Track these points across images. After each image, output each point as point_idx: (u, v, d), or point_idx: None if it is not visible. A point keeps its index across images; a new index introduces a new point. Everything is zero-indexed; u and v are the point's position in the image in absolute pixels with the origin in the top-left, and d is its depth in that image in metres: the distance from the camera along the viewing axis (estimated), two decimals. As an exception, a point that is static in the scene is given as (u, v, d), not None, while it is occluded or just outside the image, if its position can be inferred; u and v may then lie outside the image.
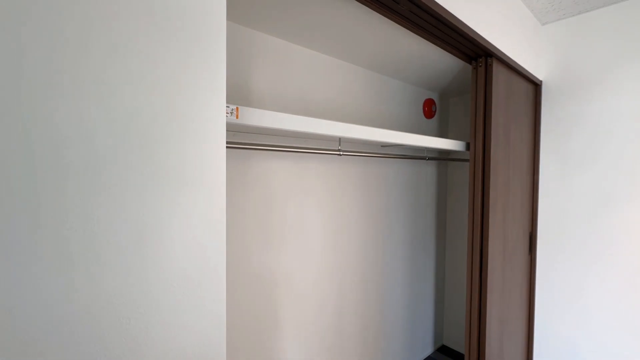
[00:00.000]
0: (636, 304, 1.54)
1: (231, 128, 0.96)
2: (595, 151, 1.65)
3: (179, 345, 0.51)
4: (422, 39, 1.33)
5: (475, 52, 1.41)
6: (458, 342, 2.30)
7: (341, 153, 1.29)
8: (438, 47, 1.36)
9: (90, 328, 0.42)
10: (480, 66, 1.45)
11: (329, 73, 1.51)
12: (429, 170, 2.13)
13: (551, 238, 1.81)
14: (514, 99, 1.62)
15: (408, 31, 1.26)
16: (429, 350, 2.25)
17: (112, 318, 0.44)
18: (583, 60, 1.68)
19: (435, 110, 2.13)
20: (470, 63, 1.50)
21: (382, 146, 1.71)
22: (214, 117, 0.52)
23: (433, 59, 1.65)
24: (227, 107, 0.76)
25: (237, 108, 0.78)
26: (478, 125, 1.47)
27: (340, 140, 1.30)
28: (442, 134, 2.24)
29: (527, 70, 1.63)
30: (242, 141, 1.15)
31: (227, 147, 0.98)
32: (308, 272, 1.45)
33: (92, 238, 0.42)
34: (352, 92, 1.62)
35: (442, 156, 2.20)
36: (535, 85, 1.83)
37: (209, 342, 0.55)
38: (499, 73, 1.47)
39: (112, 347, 0.45)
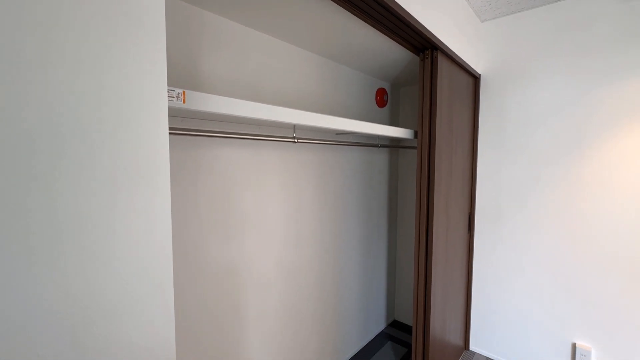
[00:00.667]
0: (556, 271, 1.79)
1: (178, 114, 0.90)
2: (523, 139, 1.86)
3: (125, 336, 0.49)
4: (375, 30, 1.36)
5: (423, 45, 1.48)
6: (408, 316, 2.49)
7: (296, 140, 1.30)
8: (389, 38, 1.41)
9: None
10: (427, 58, 1.53)
11: (285, 59, 1.48)
12: (381, 157, 2.22)
13: (487, 217, 2.02)
14: (457, 90, 1.75)
15: (361, 21, 1.28)
16: (382, 325, 2.41)
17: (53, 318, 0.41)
18: (514, 56, 1.86)
19: (387, 100, 2.21)
20: (418, 55, 1.58)
21: (336, 134, 1.74)
22: (154, 101, 0.48)
23: (384, 50, 1.70)
24: (172, 90, 0.72)
25: (183, 92, 0.74)
26: (425, 114, 1.56)
27: (295, 127, 1.30)
28: (393, 122, 2.34)
29: (468, 64, 1.76)
30: (191, 127, 1.10)
31: (173, 133, 0.93)
32: (266, 260, 1.45)
33: (26, 230, 0.38)
34: (308, 79, 1.62)
35: (393, 143, 2.31)
36: (475, 78, 1.99)
37: (156, 331, 0.53)
38: (443, 65, 1.57)
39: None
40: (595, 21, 1.60)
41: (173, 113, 0.92)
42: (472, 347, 2.14)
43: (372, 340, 2.26)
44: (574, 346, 1.76)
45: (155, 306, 0.52)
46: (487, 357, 2.06)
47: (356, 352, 2.11)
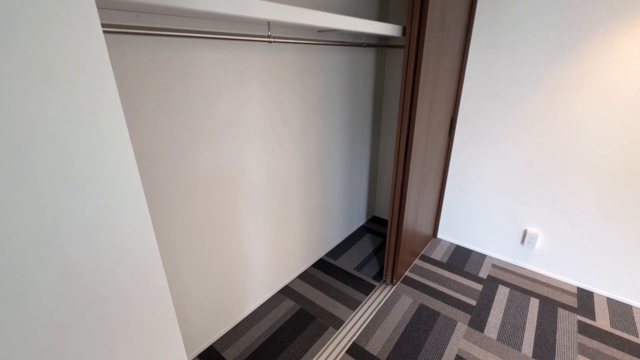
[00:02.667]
0: (519, 168, 1.94)
1: (127, 8, 0.79)
2: (514, 37, 1.73)
3: (109, 249, 0.55)
4: None
5: None
6: (386, 212, 2.76)
7: (272, 40, 1.18)
8: None
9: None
10: None
11: None
12: (368, 57, 2.07)
13: (469, 120, 2.05)
14: (455, -26, 1.53)
15: None
16: (362, 220, 2.69)
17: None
18: None
19: (377, -13, 1.93)
20: None
21: (318, 31, 1.58)
22: None
23: None
24: (112, -22, 0.60)
25: (127, -20, 0.62)
26: (415, 8, 1.40)
27: (269, 23, 1.17)
28: (382, 17, 2.10)
29: (472, -62, 1.49)
30: (150, 25, 0.97)
31: (127, 32, 0.83)
32: (252, 162, 1.50)
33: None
34: (282, -40, 1.36)
35: (381, 42, 2.13)
36: (479, -42, 1.71)
37: (138, 244, 0.59)
38: (442, -60, 1.33)
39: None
40: None
41: (124, 7, 0.80)
42: (439, 235, 2.47)
43: (353, 232, 2.56)
44: (524, 232, 2.04)
45: (130, 213, 0.56)
46: (451, 243, 2.40)
47: (338, 243, 2.41)
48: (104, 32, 0.79)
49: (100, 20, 0.83)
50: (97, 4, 0.72)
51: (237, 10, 0.89)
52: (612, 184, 1.68)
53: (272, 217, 1.72)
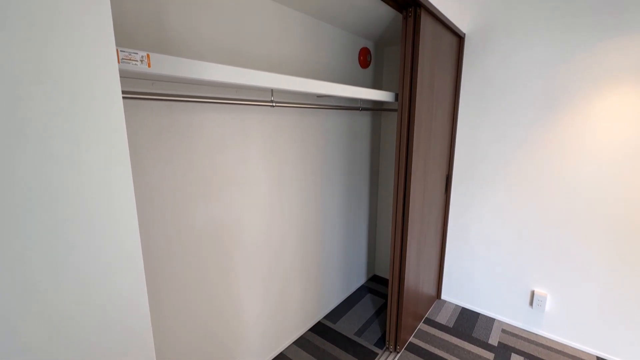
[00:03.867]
0: (520, 225, 1.93)
1: (145, 77, 0.87)
2: (501, 102, 1.88)
3: (97, 303, 0.53)
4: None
5: (405, 1, 1.42)
6: (387, 270, 2.67)
7: (274, 104, 1.28)
8: (370, -7, 1.34)
9: None
10: (410, 16, 1.48)
11: (264, 16, 1.40)
12: (364, 120, 2.21)
13: (464, 178, 2.10)
14: (440, 50, 1.71)
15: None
16: (362, 280, 2.58)
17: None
18: (499, 15, 1.81)
19: (371, 60, 2.15)
20: (401, 12, 1.51)
21: (317, 97, 1.71)
22: (101, 64, 0.46)
23: (367, 5, 1.62)
24: (134, 54, 0.68)
25: (147, 55, 0.71)
26: (406, 77, 1.54)
27: (272, 91, 1.27)
28: (376, 83, 2.30)
29: (452, 23, 1.71)
30: (163, 92, 1.06)
31: (139, 98, 0.90)
32: (251, 221, 1.49)
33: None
34: (288, 38, 1.54)
35: (375, 106, 2.29)
36: (460, 38, 1.94)
37: (129, 298, 0.57)
38: (426, 24, 1.52)
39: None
40: (583, -23, 1.56)
41: (139, 77, 0.88)
42: (443, 296, 2.35)
43: (353, 293, 2.44)
44: (532, 293, 1.95)
45: (125, 273, 0.55)
46: (456, 305, 2.27)
47: (337, 304, 2.28)
48: (123, 97, 0.86)
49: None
50: (120, 74, 0.79)
51: (247, 81, 0.98)
52: (615, 238, 1.66)
53: (268, 275, 1.65)
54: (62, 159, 0.45)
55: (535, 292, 1.93)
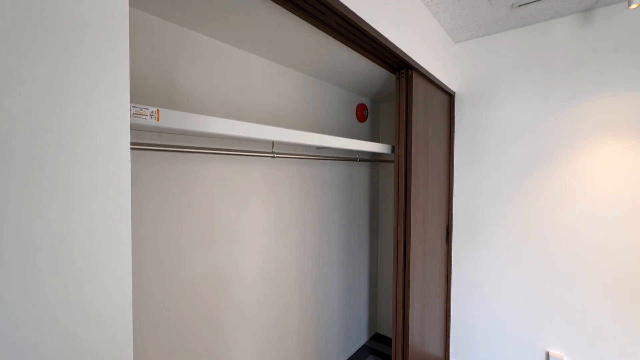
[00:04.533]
0: (531, 281, 1.86)
1: (154, 130, 0.91)
2: (495, 154, 1.94)
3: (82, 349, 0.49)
4: (352, 49, 1.42)
5: (398, 64, 1.55)
6: (389, 328, 2.50)
7: (274, 155, 1.32)
8: (365, 57, 1.47)
9: None
10: (402, 77, 1.60)
11: (265, 75, 1.52)
12: (362, 170, 2.27)
13: (464, 229, 2.08)
14: (432, 107, 1.83)
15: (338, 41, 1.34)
16: (364, 339, 2.40)
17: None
18: (485, 75, 1.96)
19: (367, 115, 2.28)
20: (394, 73, 1.65)
21: (317, 148, 1.78)
22: (116, 118, 0.49)
23: (363, 67, 1.76)
24: (145, 109, 0.73)
25: (157, 110, 0.75)
26: (401, 130, 1.62)
27: (273, 143, 1.33)
28: (373, 136, 2.40)
29: (442, 82, 1.85)
30: (171, 143, 1.11)
31: (146, 149, 0.93)
32: (248, 271, 1.44)
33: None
34: (289, 95, 1.65)
35: (373, 158, 2.37)
36: (450, 96, 2.08)
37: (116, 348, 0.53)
38: (418, 84, 1.64)
39: None
40: (555, 45, 1.73)
41: (149, 130, 0.93)
42: (452, 357, 2.16)
43: (354, 354, 2.25)
44: (547, 355, 1.81)
45: (112, 336, 0.52)
46: (466, 368, 2.08)
47: (338, 366, 2.10)
48: (131, 149, 0.89)
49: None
50: (131, 127, 0.83)
51: (250, 133, 1.03)
52: (624, 293, 1.59)
53: (263, 330, 1.54)
54: (72, 208, 0.46)
55: (550, 354, 1.79)
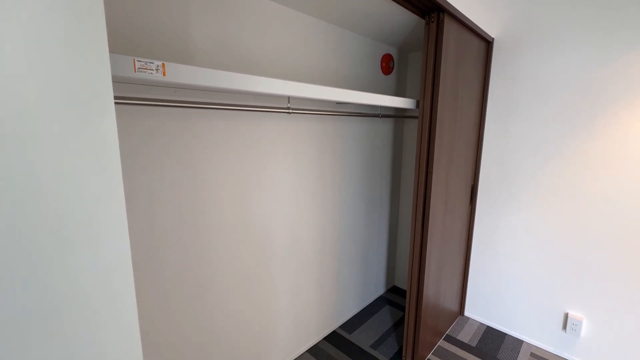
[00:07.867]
0: (554, 242, 1.79)
1: (164, 85, 0.91)
2: (533, 110, 1.77)
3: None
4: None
5: (428, 6, 1.38)
6: (406, 282, 2.58)
7: (290, 111, 1.29)
8: (392, 0, 1.32)
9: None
10: (432, 21, 1.44)
11: (283, 24, 1.42)
12: (385, 127, 2.18)
13: (490, 190, 1.99)
14: (465, 56, 1.65)
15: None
16: (381, 290, 2.51)
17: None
18: (532, 19, 1.71)
19: (393, 67, 2.12)
20: (423, 18, 1.48)
21: (337, 103, 1.71)
22: (96, 71, 0.47)
23: (389, 12, 1.60)
24: (150, 63, 0.72)
25: (162, 64, 0.74)
26: (427, 83, 1.50)
27: (289, 98, 1.29)
28: (399, 90, 2.26)
29: (479, 27, 1.65)
30: (185, 99, 1.11)
31: (162, 105, 0.94)
32: (268, 226, 1.51)
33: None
34: (310, 46, 1.56)
35: (397, 113, 2.25)
36: (487, 43, 1.86)
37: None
38: (450, 29, 1.47)
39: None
40: (626, -24, 1.44)
41: (160, 85, 0.93)
42: (467, 312, 2.22)
43: (371, 303, 2.38)
44: (566, 316, 1.80)
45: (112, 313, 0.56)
46: (480, 323, 2.14)
47: (354, 314, 2.24)
48: (147, 104, 0.90)
49: (142, 94, 0.96)
50: (138, 82, 0.83)
51: (259, 88, 1.00)
52: (662, 264, 1.49)
53: (282, 280, 1.65)
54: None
55: (569, 315, 1.78)
